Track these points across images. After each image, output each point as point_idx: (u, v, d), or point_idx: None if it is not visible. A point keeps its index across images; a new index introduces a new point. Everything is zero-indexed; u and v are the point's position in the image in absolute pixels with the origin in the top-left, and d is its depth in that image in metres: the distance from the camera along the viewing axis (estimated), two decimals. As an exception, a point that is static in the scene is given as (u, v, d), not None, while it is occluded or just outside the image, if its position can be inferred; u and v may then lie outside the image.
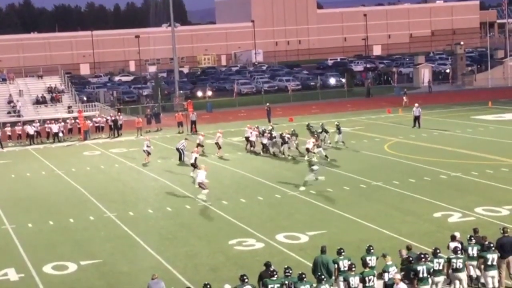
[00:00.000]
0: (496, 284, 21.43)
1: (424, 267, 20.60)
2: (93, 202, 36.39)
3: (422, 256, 20.92)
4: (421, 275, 20.48)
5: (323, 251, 21.97)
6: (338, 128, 47.11)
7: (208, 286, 19.53)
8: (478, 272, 22.02)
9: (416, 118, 54.80)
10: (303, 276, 20.05)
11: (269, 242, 28.09)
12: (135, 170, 44.14)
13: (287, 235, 28.75)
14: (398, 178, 34.85)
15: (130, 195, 37.33)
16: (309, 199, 34.31)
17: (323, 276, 20.28)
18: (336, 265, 21.38)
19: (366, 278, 20.34)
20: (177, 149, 45.59)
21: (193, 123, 59.56)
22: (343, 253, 21.64)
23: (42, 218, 33.65)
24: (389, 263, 20.87)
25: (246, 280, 19.77)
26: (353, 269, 20.51)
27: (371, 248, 21.85)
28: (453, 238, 22.52)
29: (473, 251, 21.93)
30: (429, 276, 20.65)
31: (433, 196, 33.55)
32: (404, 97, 70.20)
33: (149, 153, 45.75)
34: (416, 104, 55.64)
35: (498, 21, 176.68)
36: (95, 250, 28.44)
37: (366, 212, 31.09)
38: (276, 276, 20.05)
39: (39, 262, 27.24)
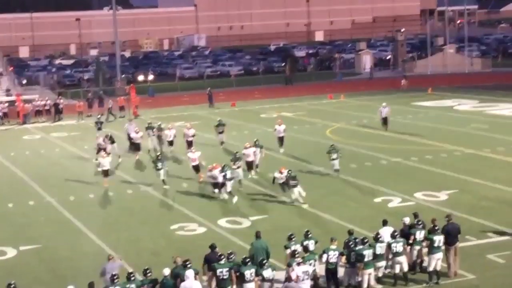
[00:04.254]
0: (439, 267, 21.79)
1: (370, 251, 20.87)
2: (32, 187, 35.91)
3: (366, 240, 21.20)
4: (366, 259, 20.72)
5: (258, 236, 22.12)
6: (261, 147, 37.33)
7: (149, 272, 19.73)
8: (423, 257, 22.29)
9: (384, 120, 47.30)
10: (247, 260, 20.16)
11: (211, 227, 28.11)
12: (76, 155, 43.64)
13: (229, 220, 28.80)
14: (340, 164, 35.10)
15: (71, 180, 36.90)
16: (252, 184, 34.39)
17: (265, 261, 20.41)
18: (288, 250, 21.43)
19: (307, 263, 20.54)
20: (129, 136, 43.68)
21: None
22: (293, 239, 21.77)
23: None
24: (333, 246, 21.07)
25: (189, 265, 19.77)
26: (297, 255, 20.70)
27: (309, 233, 22.15)
28: (385, 223, 22.74)
29: (421, 235, 22.20)
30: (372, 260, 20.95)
31: (374, 181, 33.95)
32: (402, 80, 70.78)
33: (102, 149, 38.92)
34: (384, 104, 48.46)
35: (438, 8, 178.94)
36: (35, 235, 28.09)
37: (307, 197, 31.28)
38: (223, 259, 20.11)
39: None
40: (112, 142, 41.20)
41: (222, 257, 20.24)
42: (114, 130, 47.43)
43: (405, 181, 34.08)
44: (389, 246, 21.54)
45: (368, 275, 20.77)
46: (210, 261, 20.52)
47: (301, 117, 55.34)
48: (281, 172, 30.70)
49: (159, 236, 27.41)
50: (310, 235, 22.01)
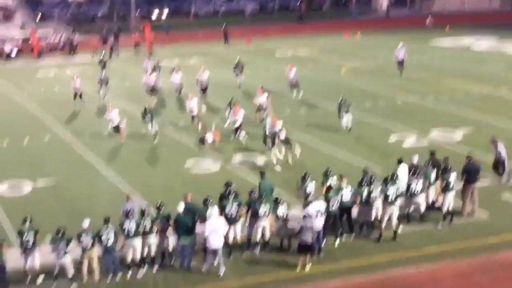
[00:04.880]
0: (451, 208, 21.79)
1: (394, 188, 20.79)
2: (47, 123, 35.98)
3: (373, 179, 21.18)
4: (390, 198, 20.70)
5: (263, 176, 22.26)
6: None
7: (162, 206, 19.83)
8: (435, 197, 22.27)
9: (400, 63, 45.09)
10: (261, 198, 20.27)
11: (226, 165, 28.17)
12: (90, 92, 43.57)
13: (243, 159, 28.78)
14: (354, 102, 34.84)
15: (85, 117, 36.95)
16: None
17: (280, 199, 20.49)
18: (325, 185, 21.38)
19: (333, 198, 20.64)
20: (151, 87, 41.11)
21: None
22: (330, 173, 21.87)
23: (-5, 138, 33.28)
24: (344, 184, 21.05)
25: (211, 201, 19.87)
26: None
27: (330, 170, 22.14)
28: (400, 162, 22.67)
29: (433, 175, 22.15)
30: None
31: (389, 121, 33.79)
32: (428, 18, 70.01)
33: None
34: (400, 45, 45.56)
35: None
36: (50, 171, 28.24)
37: (323, 137, 31.20)
38: (233, 196, 20.17)
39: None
40: (106, 83, 40.53)
41: (232, 193, 20.31)
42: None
43: (420, 120, 33.90)
44: (408, 185, 21.50)
45: (390, 214, 20.72)
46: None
47: (316, 55, 54.94)
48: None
49: (173, 175, 27.48)
50: (330, 172, 22.04)
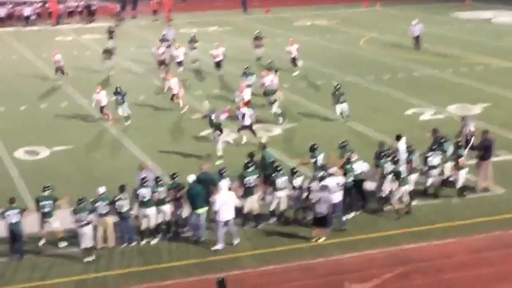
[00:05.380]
0: (465, 183, 21.74)
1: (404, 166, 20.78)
2: (65, 88, 36.06)
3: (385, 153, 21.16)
4: (402, 175, 20.66)
5: (264, 147, 22.47)
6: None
7: (176, 176, 19.89)
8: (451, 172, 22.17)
9: (416, 39, 44.26)
10: (279, 168, 20.28)
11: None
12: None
13: (261, 127, 28.74)
14: (372, 74, 34.79)
15: (103, 82, 36.96)
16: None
17: (296, 170, 20.49)
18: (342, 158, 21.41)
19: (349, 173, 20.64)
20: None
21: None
22: (346, 145, 22.01)
23: (13, 103, 33.36)
24: (354, 158, 21.03)
25: (225, 173, 19.96)
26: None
27: (346, 143, 22.17)
28: (398, 138, 22.46)
29: (449, 150, 22.06)
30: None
31: (406, 93, 33.63)
32: None
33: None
34: (415, 21, 44.60)
35: None
36: (67, 136, 28.36)
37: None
38: (253, 167, 20.20)
39: (11, 147, 27.18)
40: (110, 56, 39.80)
41: (252, 164, 20.33)
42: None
43: (438, 93, 33.69)
44: (425, 158, 21.44)
45: (402, 192, 20.65)
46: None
47: (335, 25, 54.61)
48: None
49: (189, 145, 27.50)
50: (346, 145, 22.02)
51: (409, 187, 20.66)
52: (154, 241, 19.38)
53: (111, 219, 19.08)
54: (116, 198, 19.08)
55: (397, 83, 35.80)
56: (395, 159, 20.79)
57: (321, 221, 19.21)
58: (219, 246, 18.91)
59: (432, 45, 44.89)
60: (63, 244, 19.17)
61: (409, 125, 28.50)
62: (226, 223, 19.01)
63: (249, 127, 27.04)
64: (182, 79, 34.31)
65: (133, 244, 19.21)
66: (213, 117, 25.85)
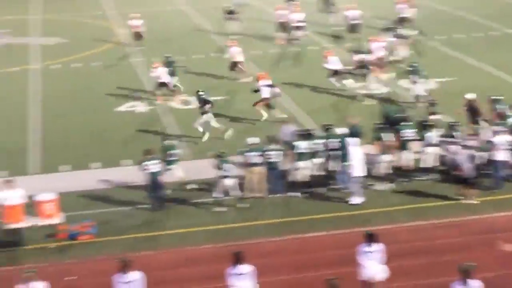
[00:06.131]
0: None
1: None
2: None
3: None
4: None
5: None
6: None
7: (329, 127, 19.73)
8: None
9: None
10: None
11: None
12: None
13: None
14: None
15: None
16: (438, 45, 33.29)
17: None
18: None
19: None
20: None
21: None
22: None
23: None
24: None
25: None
26: None
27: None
28: None
29: None
30: None
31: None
32: None
33: None
34: None
35: None
36: (216, 86, 28.54)
37: (496, 60, 29.97)
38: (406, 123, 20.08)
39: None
40: None
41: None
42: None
43: None
44: None
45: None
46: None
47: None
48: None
49: (331, 99, 27.32)
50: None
51: None
52: (296, 194, 19.30)
53: (261, 169, 19.21)
54: (267, 148, 19.21)
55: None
56: None
57: (468, 181, 18.54)
58: (357, 200, 18.76)
59: None
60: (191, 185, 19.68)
61: None
62: (358, 179, 18.74)
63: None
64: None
65: (279, 195, 19.22)
66: None
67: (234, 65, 29.62)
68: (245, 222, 18.05)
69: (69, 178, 20.90)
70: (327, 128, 19.91)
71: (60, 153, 22.81)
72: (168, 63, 28.00)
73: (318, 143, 19.46)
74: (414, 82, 25.08)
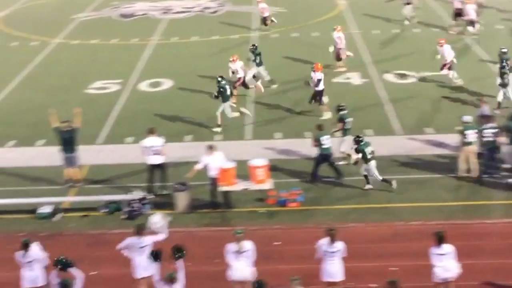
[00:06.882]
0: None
1: None
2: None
3: None
4: None
5: None
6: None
7: None
8: None
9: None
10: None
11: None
12: None
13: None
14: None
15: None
16: None
17: None
18: None
19: None
20: None
21: None
22: None
23: (384, 25, 33.78)
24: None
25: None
26: None
27: None
28: None
29: None
30: None
31: None
32: None
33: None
34: None
35: None
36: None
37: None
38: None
39: (382, 70, 27.63)
40: None
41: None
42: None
43: None
44: None
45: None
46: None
47: None
48: None
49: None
50: None
51: None
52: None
53: (474, 148, 18.64)
54: (485, 127, 18.65)
55: None
56: None
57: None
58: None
59: None
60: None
61: None
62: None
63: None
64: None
65: (493, 176, 18.62)
66: None
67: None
68: (457, 201, 17.66)
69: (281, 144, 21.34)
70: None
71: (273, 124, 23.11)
72: None
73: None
74: None
